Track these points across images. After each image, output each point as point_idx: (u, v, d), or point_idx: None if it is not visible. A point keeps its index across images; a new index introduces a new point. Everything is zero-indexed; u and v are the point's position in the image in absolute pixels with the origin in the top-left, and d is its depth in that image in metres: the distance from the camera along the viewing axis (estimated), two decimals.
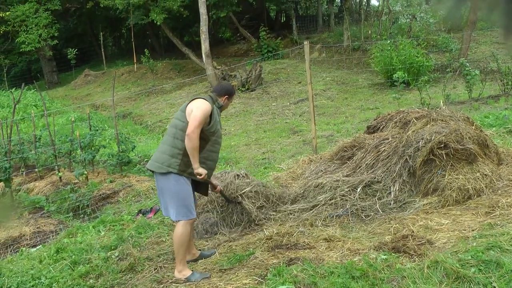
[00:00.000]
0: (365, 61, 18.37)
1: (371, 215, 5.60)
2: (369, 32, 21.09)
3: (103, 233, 6.44)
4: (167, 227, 6.16)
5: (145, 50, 21.68)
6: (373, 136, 6.91)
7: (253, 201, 5.99)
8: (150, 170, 4.87)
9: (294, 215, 5.90)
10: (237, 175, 6.22)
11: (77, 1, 31.88)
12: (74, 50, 27.15)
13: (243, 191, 5.97)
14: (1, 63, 29.13)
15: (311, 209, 5.92)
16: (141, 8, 21.66)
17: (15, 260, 6.04)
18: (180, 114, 4.77)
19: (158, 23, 20.75)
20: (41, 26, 25.59)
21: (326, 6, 34.06)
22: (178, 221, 4.69)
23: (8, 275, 5.54)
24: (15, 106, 8.70)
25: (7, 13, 25.96)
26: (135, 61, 23.12)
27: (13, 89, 23.08)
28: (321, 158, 7.66)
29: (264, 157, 9.55)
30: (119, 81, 21.91)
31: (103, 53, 26.65)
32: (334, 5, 31.23)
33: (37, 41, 25.41)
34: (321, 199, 6.00)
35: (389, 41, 15.87)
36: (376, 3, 34.66)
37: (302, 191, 6.39)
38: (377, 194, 5.85)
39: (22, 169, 10.01)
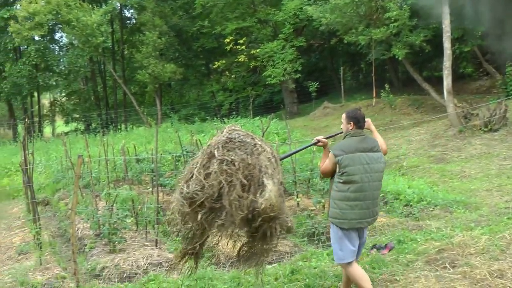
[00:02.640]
0: None
1: None
2: None
3: None
4: (401, 266, 5.95)
5: (385, 85, 21.66)
6: None
7: None
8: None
9: None
10: None
11: (321, 38, 33.41)
12: (316, 83, 28.36)
13: None
14: (249, 94, 31.79)
15: None
16: (383, 43, 21.76)
17: (252, 273, 6.37)
18: (381, 166, 4.87)
19: (400, 58, 20.59)
20: (286, 61, 27.35)
21: None
22: None
23: (245, 286, 5.97)
24: (263, 133, 9.31)
25: (257, 50, 28.36)
26: (374, 95, 23.19)
27: (257, 117, 24.93)
28: None
29: (508, 205, 8.74)
30: None
31: (342, 86, 27.32)
32: None
33: (282, 74, 27.20)
34: None
35: None
36: None
37: None
38: None
39: None
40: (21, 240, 9.39)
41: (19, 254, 8.46)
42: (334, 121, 23.04)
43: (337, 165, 4.81)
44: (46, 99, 54.77)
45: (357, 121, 4.94)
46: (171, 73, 31.26)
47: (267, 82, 29.28)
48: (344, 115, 5.07)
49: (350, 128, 4.95)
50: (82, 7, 30.90)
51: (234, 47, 29.68)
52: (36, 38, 35.23)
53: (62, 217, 11.31)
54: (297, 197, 9.34)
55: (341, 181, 4.81)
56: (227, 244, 7.54)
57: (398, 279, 5.64)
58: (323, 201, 8.59)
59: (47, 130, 47.08)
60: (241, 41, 29.59)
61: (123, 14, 38.85)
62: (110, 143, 14.88)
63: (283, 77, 27.48)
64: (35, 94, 40.96)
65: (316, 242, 7.66)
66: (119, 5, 36.35)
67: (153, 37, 30.82)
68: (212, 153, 4.19)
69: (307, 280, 5.82)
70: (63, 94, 47.05)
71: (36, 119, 40.57)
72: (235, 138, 4.27)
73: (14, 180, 16.05)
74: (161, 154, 13.37)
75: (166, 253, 7.56)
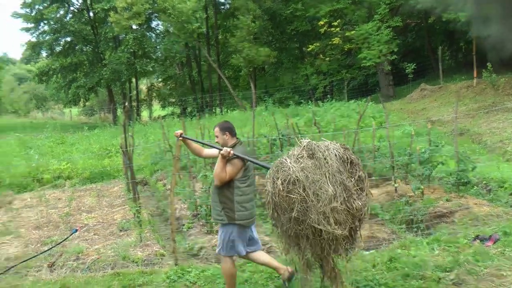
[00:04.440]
0: None
1: None
2: None
3: (437, 252, 6.24)
4: (508, 261, 5.63)
5: (487, 64, 20.56)
6: None
7: None
8: None
9: None
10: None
11: (417, 17, 32.26)
12: (412, 64, 27.46)
13: None
14: (343, 77, 31.36)
15: None
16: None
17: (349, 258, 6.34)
18: None
19: None
20: (382, 43, 26.67)
21: None
22: None
23: (343, 271, 5.85)
24: (360, 117, 9.16)
25: (352, 32, 27.83)
26: (475, 75, 22.09)
27: (352, 101, 24.53)
28: None
29: None
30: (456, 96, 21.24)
31: (440, 67, 26.23)
32: None
33: (377, 56, 26.58)
34: None
35: None
36: None
37: None
38: None
39: None
40: (122, 217, 9.84)
41: (120, 231, 8.87)
42: (431, 104, 22.25)
43: (243, 171, 5.20)
44: (143, 85, 56.96)
45: (231, 130, 5.41)
46: (265, 57, 31.38)
47: (362, 65, 28.70)
48: (217, 128, 5.43)
49: (227, 138, 5.35)
50: None
51: (328, 29, 29.34)
52: (134, 26, 36.70)
53: (160, 197, 11.71)
54: (395, 183, 9.12)
55: (245, 184, 5.24)
56: None
57: (505, 274, 5.33)
58: (422, 187, 8.31)
59: (145, 114, 48.95)
60: (335, 23, 29.18)
61: (217, 0, 39.34)
62: (206, 126, 15.18)
63: (378, 59, 26.87)
64: (133, 80, 42.74)
65: (415, 230, 7.43)
66: None
67: (247, 21, 31.05)
68: None
69: (406, 269, 5.67)
70: (160, 80, 48.65)
71: (134, 103, 42.26)
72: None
73: (114, 161, 16.74)
74: (257, 137, 13.46)
75: (263, 236, 7.62)
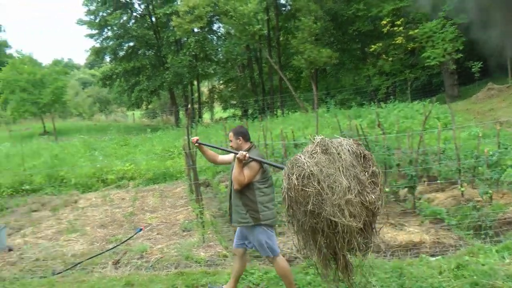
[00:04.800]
0: None
1: None
2: None
3: (507, 260, 6.01)
4: None
5: None
6: None
7: None
8: None
9: None
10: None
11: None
12: (479, 63, 26.61)
13: None
14: (406, 77, 30.73)
15: None
16: None
17: (414, 264, 6.18)
18: None
19: None
20: (447, 41, 25.94)
21: None
22: None
23: (408, 277, 5.73)
24: (426, 118, 8.92)
25: (416, 30, 27.21)
26: None
27: (416, 101, 24.03)
28: None
29: None
30: None
31: (508, 66, 25.29)
32: None
33: (441, 55, 25.89)
34: None
35: None
36: None
37: None
38: None
39: (424, 179, 10.21)
40: (185, 218, 10.02)
41: (183, 231, 9.04)
42: (499, 104, 21.52)
43: (261, 173, 5.33)
44: (205, 87, 57.69)
45: (244, 135, 5.56)
46: (327, 58, 31.17)
47: (425, 64, 28.09)
48: (231, 133, 5.63)
49: (240, 142, 5.50)
50: None
51: (391, 28, 28.83)
52: (196, 30, 37.21)
53: (222, 198, 11.81)
54: (461, 187, 8.84)
55: (266, 185, 5.37)
56: (388, 233, 7.40)
57: None
58: (490, 191, 8.02)
59: (206, 116, 49.56)
60: (398, 22, 28.66)
61: (278, 1, 39.38)
62: (268, 128, 15.22)
63: (443, 58, 26.19)
64: (195, 82, 43.40)
65: (483, 236, 7.17)
66: None
67: (309, 22, 30.94)
68: None
69: (474, 277, 5.47)
70: (221, 82, 49.17)
71: (196, 106, 42.88)
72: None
73: (177, 162, 17.03)
74: None
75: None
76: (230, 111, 45.67)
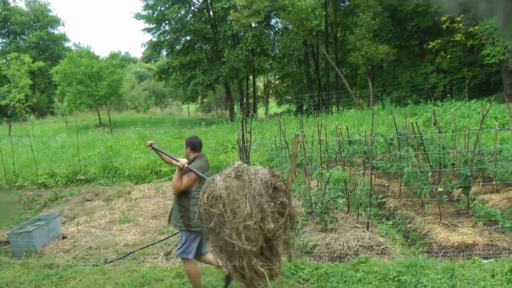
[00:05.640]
0: None
1: None
2: None
3: None
4: None
5: None
6: None
7: None
8: None
9: None
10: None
11: None
12: None
13: None
14: (464, 75, 30.04)
15: None
16: None
17: (466, 266, 6.19)
18: None
19: None
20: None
21: None
22: None
23: (459, 279, 5.76)
24: (483, 117, 8.84)
25: (476, 27, 26.54)
26: None
27: (473, 100, 23.54)
28: None
29: None
30: None
31: None
32: None
33: (502, 53, 25.17)
34: None
35: None
36: None
37: None
38: None
39: (479, 180, 10.11)
40: None
41: None
42: None
43: (198, 182, 5.71)
44: (260, 82, 57.93)
45: (193, 145, 6.06)
46: (384, 55, 30.80)
47: (484, 62, 27.32)
48: (185, 142, 6.18)
49: (188, 152, 6.05)
50: None
51: (451, 25, 28.24)
52: (253, 24, 37.36)
53: None
54: None
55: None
56: (441, 233, 7.41)
57: None
58: None
59: (261, 111, 49.77)
60: (458, 19, 28.04)
61: None
62: (323, 124, 15.29)
63: (503, 56, 25.44)
64: (251, 77, 43.63)
65: None
66: None
67: (367, 18, 30.65)
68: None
69: None
70: (277, 77, 49.23)
71: (251, 100, 43.16)
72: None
73: (230, 156, 17.23)
74: (374, 137, 13.39)
75: (377, 236, 7.65)
76: (285, 107, 45.69)
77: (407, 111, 20.49)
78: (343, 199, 9.01)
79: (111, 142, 21.54)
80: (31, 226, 9.24)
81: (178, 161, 5.76)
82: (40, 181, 16.01)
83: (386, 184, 11.06)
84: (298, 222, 8.78)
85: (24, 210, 12.53)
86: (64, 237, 9.52)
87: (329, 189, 8.53)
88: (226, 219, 4.61)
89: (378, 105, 27.73)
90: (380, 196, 10.09)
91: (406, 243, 7.69)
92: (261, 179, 4.73)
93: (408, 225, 8.27)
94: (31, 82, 42.61)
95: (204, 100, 52.95)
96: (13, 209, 12.87)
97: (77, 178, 16.04)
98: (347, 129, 14.88)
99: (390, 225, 8.26)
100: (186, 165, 5.66)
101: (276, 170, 14.44)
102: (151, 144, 6.33)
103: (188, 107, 58.24)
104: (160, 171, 15.98)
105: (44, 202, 13.25)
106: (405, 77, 38.72)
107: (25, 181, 16.16)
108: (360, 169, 12.21)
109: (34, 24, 69.02)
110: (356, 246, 7.37)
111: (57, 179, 16.19)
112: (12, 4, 68.96)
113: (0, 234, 9.91)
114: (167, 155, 6.34)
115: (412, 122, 11.51)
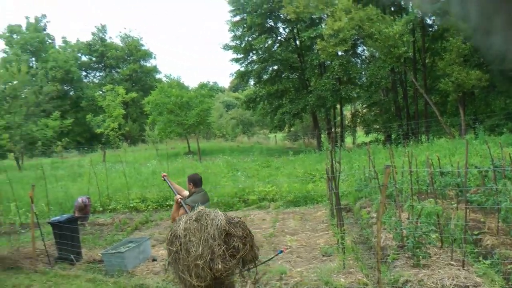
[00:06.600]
0: None
1: None
2: None
3: None
4: None
5: None
6: None
7: None
8: None
9: None
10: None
11: None
12: None
13: None
14: None
15: None
16: None
17: None
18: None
19: None
20: None
21: None
22: None
23: None
24: None
25: None
26: None
27: None
28: None
29: None
30: None
31: None
32: None
33: None
34: None
35: None
36: None
37: None
38: None
39: None
40: (325, 242, 10.00)
41: (323, 255, 9.04)
42: None
43: None
44: (347, 111, 57.43)
45: (195, 182, 7.40)
46: (476, 80, 29.60)
47: None
48: (187, 178, 7.51)
49: (190, 187, 7.34)
50: (384, 19, 31.50)
51: None
52: (340, 53, 37.17)
53: (364, 224, 11.63)
54: None
55: None
56: None
57: None
58: None
59: (348, 140, 49.27)
60: None
61: (424, 22, 38.22)
62: (413, 154, 14.76)
63: None
64: (338, 106, 43.29)
65: None
66: (420, 13, 35.97)
67: (457, 42, 29.67)
68: None
69: None
70: (364, 105, 48.62)
71: (338, 129, 42.77)
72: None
73: (318, 186, 17.08)
74: (468, 168, 12.72)
75: (474, 276, 7.14)
76: (373, 136, 44.89)
77: (503, 141, 19.42)
78: (436, 234, 8.53)
79: (200, 169, 22.01)
80: (123, 247, 9.59)
81: (176, 195, 7.16)
82: (132, 205, 16.75)
83: (482, 220, 10.36)
84: (388, 255, 8.45)
85: (116, 232, 13.05)
86: (154, 260, 9.84)
87: (420, 223, 8.12)
88: (181, 256, 5.26)
89: (471, 134, 26.52)
90: (476, 233, 9.43)
91: (507, 286, 7.09)
92: (217, 225, 5.29)
93: (509, 266, 7.63)
94: (124, 112, 44.32)
95: (291, 129, 53.00)
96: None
97: (167, 203, 16.52)
98: (438, 159, 14.25)
99: (488, 264, 7.66)
100: (180, 200, 6.92)
101: (364, 201, 14.17)
102: (164, 176, 7.57)
103: (276, 135, 58.60)
104: (248, 199, 16.06)
105: (135, 225, 13.96)
106: (499, 103, 36.92)
107: (118, 204, 16.98)
108: (452, 202, 11.58)
109: (128, 58, 72.45)
110: (451, 285, 6.92)
111: (148, 203, 16.83)
112: (108, 41, 72.84)
113: (94, 253, 10.33)
114: (173, 189, 7.50)
115: (509, 154, 10.84)
